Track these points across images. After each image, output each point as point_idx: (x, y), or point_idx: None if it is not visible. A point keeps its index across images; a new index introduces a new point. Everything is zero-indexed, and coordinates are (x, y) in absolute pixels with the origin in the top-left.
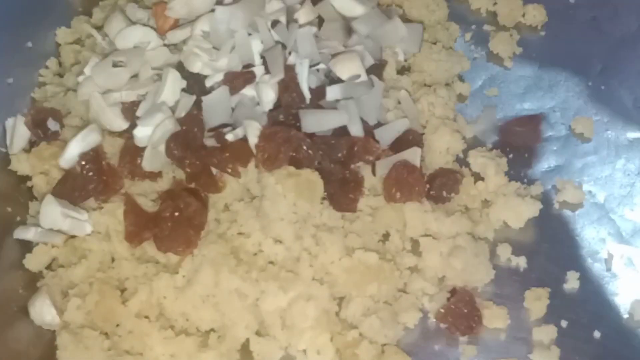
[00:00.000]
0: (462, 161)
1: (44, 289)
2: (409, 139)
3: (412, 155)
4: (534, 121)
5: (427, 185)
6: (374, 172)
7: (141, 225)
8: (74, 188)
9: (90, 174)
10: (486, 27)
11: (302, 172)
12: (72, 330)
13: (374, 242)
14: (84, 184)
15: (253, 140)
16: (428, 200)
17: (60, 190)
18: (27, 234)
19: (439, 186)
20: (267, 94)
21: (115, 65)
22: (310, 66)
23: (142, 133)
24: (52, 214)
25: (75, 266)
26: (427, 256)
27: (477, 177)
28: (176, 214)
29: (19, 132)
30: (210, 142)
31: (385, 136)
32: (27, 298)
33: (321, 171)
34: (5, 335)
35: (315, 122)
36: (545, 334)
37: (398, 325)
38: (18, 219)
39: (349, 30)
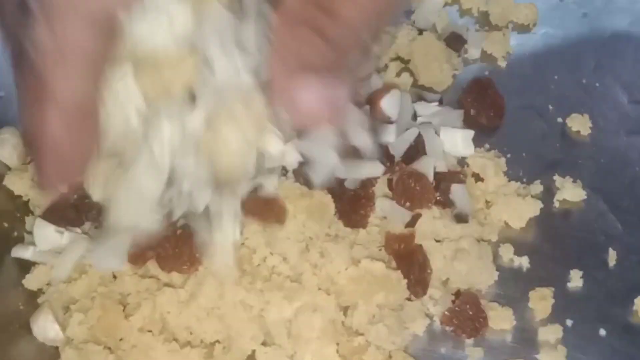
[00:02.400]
0: (461, 162)
1: (46, 304)
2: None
3: (424, 165)
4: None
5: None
6: (390, 188)
7: (143, 246)
8: (66, 216)
9: (86, 200)
10: (478, 27)
11: (314, 194)
12: (76, 345)
13: (380, 251)
14: (78, 214)
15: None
16: (436, 205)
17: (51, 216)
18: (25, 253)
19: (444, 190)
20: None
21: None
22: None
23: None
24: (47, 234)
25: (76, 281)
26: (431, 260)
27: (477, 178)
28: (178, 231)
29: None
30: None
31: (399, 148)
32: (28, 314)
33: (332, 190)
34: (8, 354)
35: (350, 171)
36: (551, 333)
37: (405, 332)
38: (15, 234)
39: None
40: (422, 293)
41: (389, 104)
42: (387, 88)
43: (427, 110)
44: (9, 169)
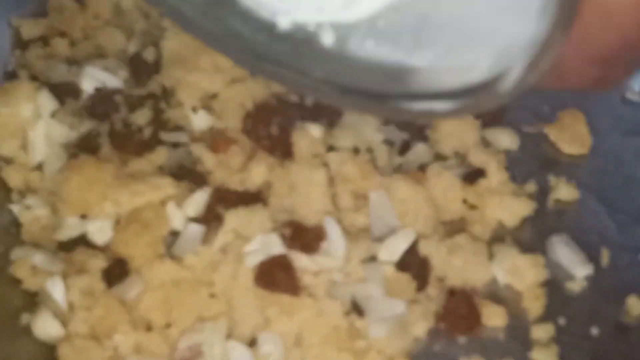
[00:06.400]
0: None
1: (43, 303)
2: None
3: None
4: None
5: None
6: None
7: None
8: None
9: None
10: None
11: None
12: (73, 342)
13: None
14: None
15: None
16: None
17: None
18: (25, 254)
19: None
20: None
21: None
22: None
23: None
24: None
25: (75, 279)
26: (429, 258)
27: (479, 175)
28: None
29: None
30: None
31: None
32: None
33: None
34: (6, 353)
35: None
36: (544, 332)
37: (408, 336)
38: (13, 230)
39: None
40: (421, 287)
41: None
42: None
43: None
44: (8, 162)
